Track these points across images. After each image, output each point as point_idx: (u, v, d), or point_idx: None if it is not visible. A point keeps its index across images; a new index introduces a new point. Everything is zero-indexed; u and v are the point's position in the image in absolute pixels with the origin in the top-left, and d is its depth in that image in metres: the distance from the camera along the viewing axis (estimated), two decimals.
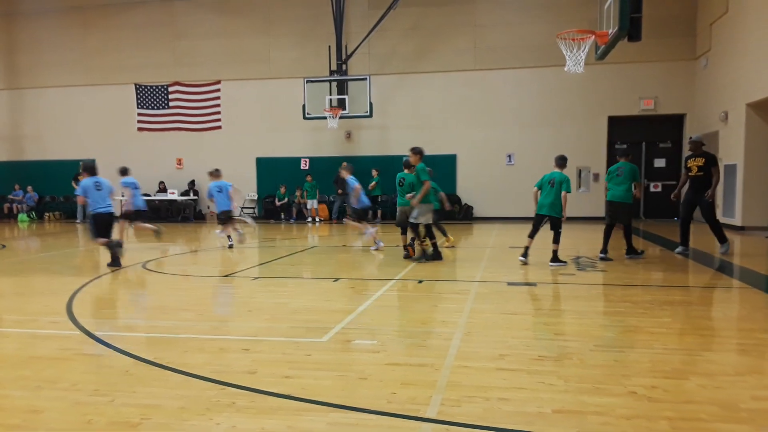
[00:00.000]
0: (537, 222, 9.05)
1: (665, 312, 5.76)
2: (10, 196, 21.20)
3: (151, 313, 6.23)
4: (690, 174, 9.79)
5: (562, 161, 8.93)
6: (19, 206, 20.96)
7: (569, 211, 9.13)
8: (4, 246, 12.63)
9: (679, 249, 10.07)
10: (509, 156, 18.83)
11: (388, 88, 19.27)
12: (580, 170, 18.49)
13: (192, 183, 20.60)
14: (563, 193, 8.66)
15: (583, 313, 5.85)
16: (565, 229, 9.28)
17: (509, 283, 7.41)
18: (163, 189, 20.56)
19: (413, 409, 3.34)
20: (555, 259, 8.87)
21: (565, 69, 10.44)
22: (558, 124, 18.54)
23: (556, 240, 8.87)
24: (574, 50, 10.28)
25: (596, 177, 18.45)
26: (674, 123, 18.31)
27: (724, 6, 15.23)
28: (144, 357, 4.38)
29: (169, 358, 4.33)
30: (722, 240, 9.90)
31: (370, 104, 18.09)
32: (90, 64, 21.14)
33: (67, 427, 3.20)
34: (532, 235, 9.04)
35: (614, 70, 17.63)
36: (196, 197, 20.64)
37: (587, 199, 18.43)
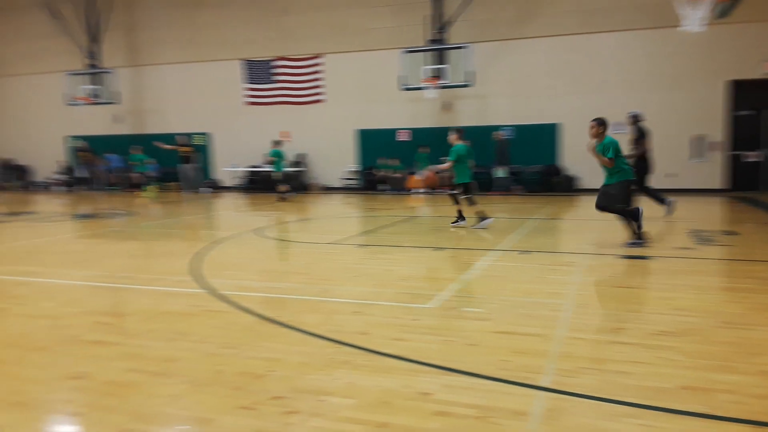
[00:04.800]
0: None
1: None
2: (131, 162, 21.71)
3: (264, 276, 6.57)
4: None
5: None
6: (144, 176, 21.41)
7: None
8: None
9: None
10: (614, 124, 17.56)
11: (487, 56, 18.77)
12: (698, 138, 17.19)
13: (303, 156, 21.21)
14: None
15: (704, 288, 5.53)
16: (681, 201, 8.69)
17: (619, 256, 7.11)
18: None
19: (527, 377, 3.32)
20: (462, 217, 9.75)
21: (682, 29, 9.70)
22: (668, 89, 17.31)
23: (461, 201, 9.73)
24: (693, 8, 9.54)
25: (714, 146, 17.11)
26: None
27: None
28: (265, 315, 4.65)
29: (287, 317, 4.56)
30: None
31: (471, 73, 17.74)
32: (200, 41, 22.15)
33: (200, 375, 3.47)
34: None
35: (735, 30, 16.15)
36: (304, 168, 21.27)
37: (703, 169, 17.18)
